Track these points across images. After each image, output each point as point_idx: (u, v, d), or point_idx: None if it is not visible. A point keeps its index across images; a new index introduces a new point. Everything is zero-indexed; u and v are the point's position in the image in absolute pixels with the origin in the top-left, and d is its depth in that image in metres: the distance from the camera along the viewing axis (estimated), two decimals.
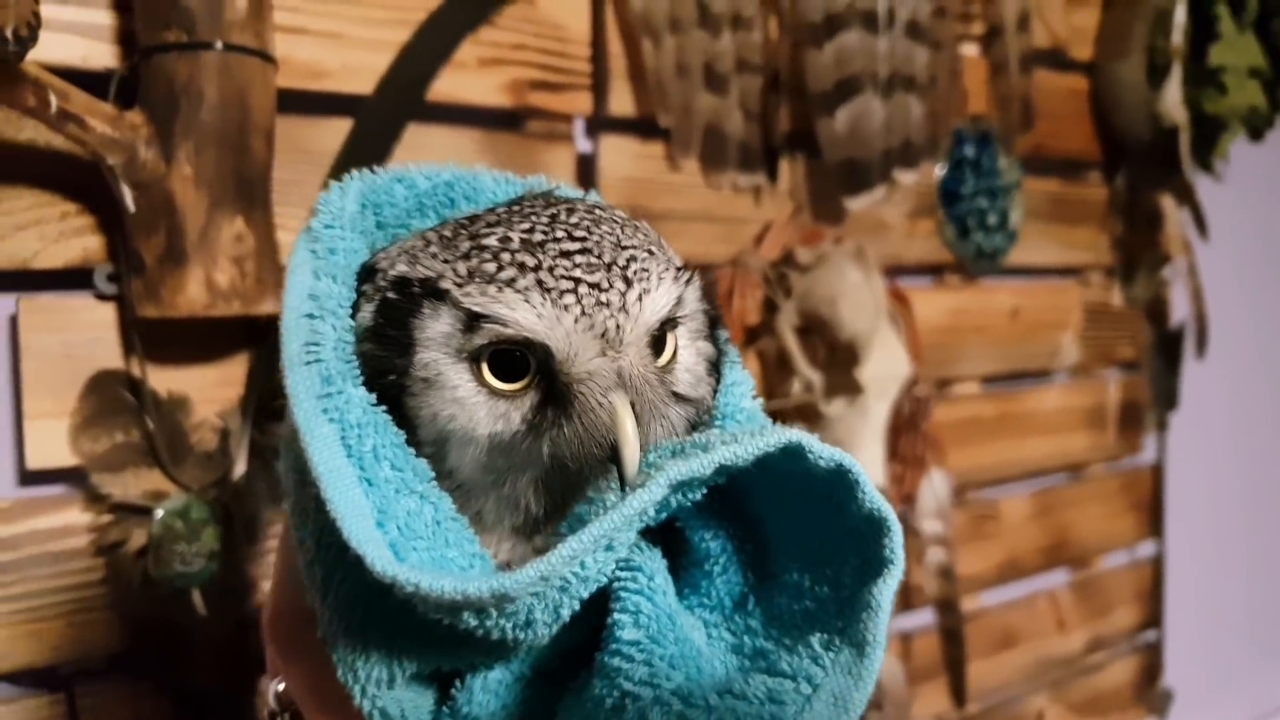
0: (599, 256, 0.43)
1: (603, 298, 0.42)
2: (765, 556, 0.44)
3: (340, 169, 0.96)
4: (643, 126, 1.16)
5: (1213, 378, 1.92)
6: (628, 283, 0.43)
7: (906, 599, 1.43)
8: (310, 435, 0.39)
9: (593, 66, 1.12)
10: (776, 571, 0.43)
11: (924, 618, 1.47)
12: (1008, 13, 1.46)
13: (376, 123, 0.98)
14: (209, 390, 0.91)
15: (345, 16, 0.96)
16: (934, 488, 1.38)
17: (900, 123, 1.30)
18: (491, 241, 0.43)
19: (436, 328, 0.43)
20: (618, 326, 0.42)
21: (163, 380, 0.89)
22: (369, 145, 0.97)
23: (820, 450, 0.40)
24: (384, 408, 0.42)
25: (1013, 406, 1.61)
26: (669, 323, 0.45)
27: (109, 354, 0.87)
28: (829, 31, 1.23)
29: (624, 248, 0.44)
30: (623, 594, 0.41)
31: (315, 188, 0.95)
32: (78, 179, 0.83)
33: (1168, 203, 1.74)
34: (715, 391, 0.48)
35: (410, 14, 1.00)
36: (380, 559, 0.37)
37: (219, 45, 0.81)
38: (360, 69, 0.97)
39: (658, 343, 0.45)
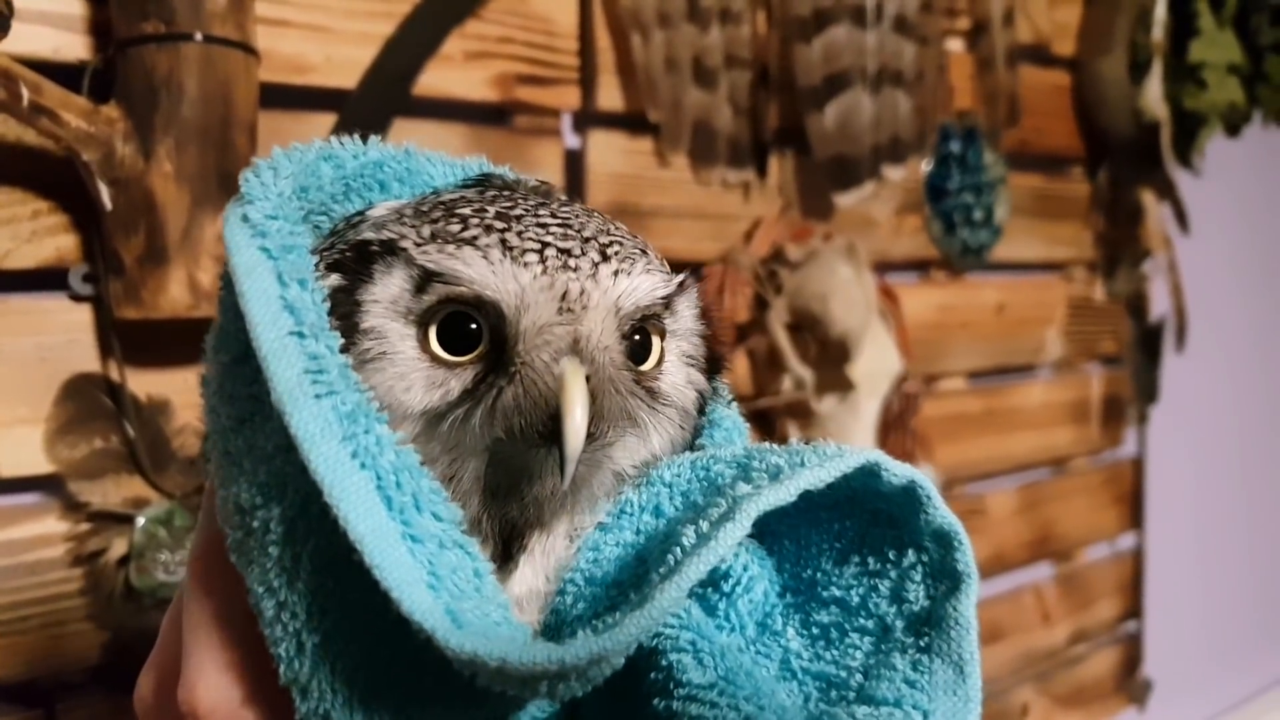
0: (578, 231, 0.39)
1: (570, 262, 0.37)
2: (781, 570, 0.41)
3: None
4: (631, 122, 1.14)
5: (1192, 371, 1.94)
6: (604, 257, 0.38)
7: None
8: (340, 488, 0.33)
9: (580, 61, 1.10)
10: (804, 587, 0.40)
11: None
12: (993, 8, 1.46)
13: (361, 118, 0.95)
14: (191, 394, 0.88)
15: (329, 9, 0.94)
16: None
17: (889, 118, 1.29)
18: (465, 211, 0.39)
19: (387, 289, 0.38)
20: (582, 291, 0.37)
21: (143, 384, 0.86)
22: None
23: (894, 467, 0.38)
24: (413, 447, 0.36)
25: (998, 401, 1.61)
26: (652, 322, 0.41)
27: (85, 357, 0.84)
28: (817, 26, 1.22)
29: (610, 234, 0.40)
30: (668, 630, 0.37)
31: None
32: (51, 176, 0.80)
33: (1148, 198, 1.74)
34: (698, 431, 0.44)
35: (395, 6, 0.97)
36: (452, 634, 0.32)
37: (199, 37, 0.79)
38: (345, 63, 0.95)
39: (638, 347, 0.40)
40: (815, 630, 0.39)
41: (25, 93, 0.73)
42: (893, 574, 0.39)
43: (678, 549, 0.35)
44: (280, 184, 0.41)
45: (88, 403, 0.84)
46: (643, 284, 0.39)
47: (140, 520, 0.84)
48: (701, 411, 0.44)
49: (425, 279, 0.37)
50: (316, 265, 0.39)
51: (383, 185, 0.45)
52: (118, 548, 0.84)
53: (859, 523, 0.40)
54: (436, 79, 1.00)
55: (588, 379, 0.36)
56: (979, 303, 1.56)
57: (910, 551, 0.39)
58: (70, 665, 0.84)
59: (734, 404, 0.46)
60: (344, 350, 0.37)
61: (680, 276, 0.42)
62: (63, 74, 0.79)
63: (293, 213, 0.40)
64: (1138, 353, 1.83)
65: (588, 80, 1.11)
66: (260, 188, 0.40)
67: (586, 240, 0.38)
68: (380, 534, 0.33)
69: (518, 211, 0.39)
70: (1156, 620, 1.96)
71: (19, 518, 0.82)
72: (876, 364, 1.21)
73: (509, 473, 0.38)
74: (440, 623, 0.32)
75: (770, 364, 1.22)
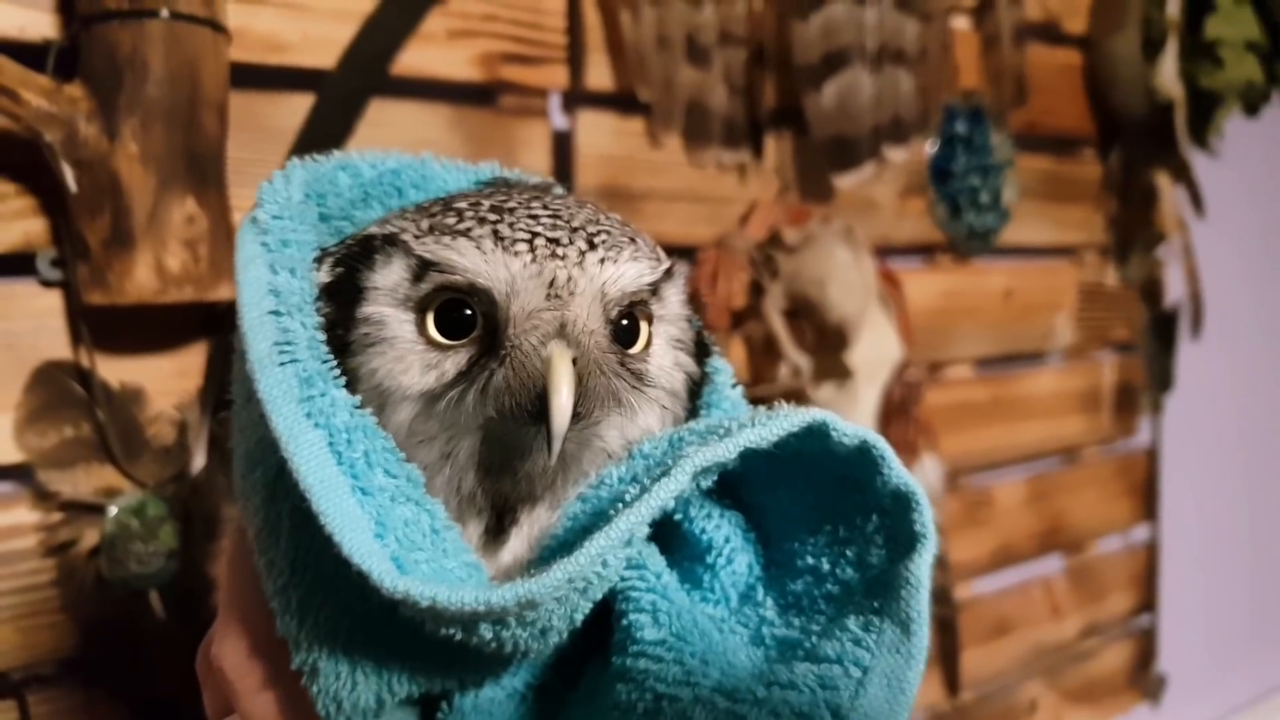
0: (567, 221, 0.41)
1: (559, 251, 0.39)
2: (769, 544, 0.42)
3: (301, 147, 0.91)
4: (622, 101, 1.11)
5: (1208, 359, 1.89)
6: (591, 245, 0.40)
7: None
8: (295, 443, 0.36)
9: (569, 38, 1.07)
10: (784, 558, 0.41)
11: None
12: None
13: (339, 98, 0.93)
14: (165, 381, 0.86)
15: None
16: (926, 474, 1.35)
17: (890, 97, 1.25)
18: (462, 205, 0.42)
19: (387, 278, 0.41)
20: (569, 278, 0.39)
21: (114, 371, 0.84)
22: (331, 122, 0.92)
23: (844, 428, 0.38)
24: (369, 411, 0.39)
25: (1006, 390, 1.58)
26: (639, 307, 0.42)
27: (55, 344, 0.82)
28: (815, 2, 1.18)
29: (599, 224, 0.42)
30: (633, 593, 0.38)
31: (275, 167, 0.88)
32: (15, 158, 0.78)
33: (1163, 180, 1.70)
34: (692, 412, 0.45)
35: None
36: (387, 574, 0.34)
37: (165, 14, 0.76)
38: (322, 41, 0.92)
39: (626, 332, 0.42)
40: (789, 599, 0.40)
41: None
42: (858, 539, 0.40)
43: (620, 504, 0.37)
44: (291, 189, 0.45)
45: (58, 390, 0.82)
46: (629, 271, 0.41)
47: (112, 510, 0.82)
48: (695, 395, 0.45)
49: (423, 268, 0.40)
50: (322, 261, 0.43)
51: (400, 191, 0.49)
52: (89, 538, 0.82)
53: (830, 490, 0.40)
54: (418, 58, 0.97)
55: (574, 361, 0.38)
56: (986, 288, 1.52)
57: (874, 515, 0.39)
58: (43, 657, 0.82)
59: (737, 387, 0.47)
60: (344, 334, 0.40)
61: (666, 263, 0.44)
62: (30, 54, 0.77)
63: (299, 213, 0.44)
64: (1151, 339, 1.78)
65: (576, 59, 1.08)
66: (271, 192, 0.44)
67: (575, 230, 0.40)
68: (328, 484, 0.36)
69: (511, 205, 0.41)
70: (1170, 614, 1.92)
71: None
72: (875, 351, 1.17)
73: (501, 450, 0.40)
74: (378, 565, 0.34)
75: (766, 351, 1.19)
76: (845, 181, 1.23)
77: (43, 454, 0.81)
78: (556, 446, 0.37)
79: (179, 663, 0.86)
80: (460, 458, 0.40)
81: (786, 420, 0.38)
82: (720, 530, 0.41)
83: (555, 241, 0.39)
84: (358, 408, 0.38)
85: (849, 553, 0.40)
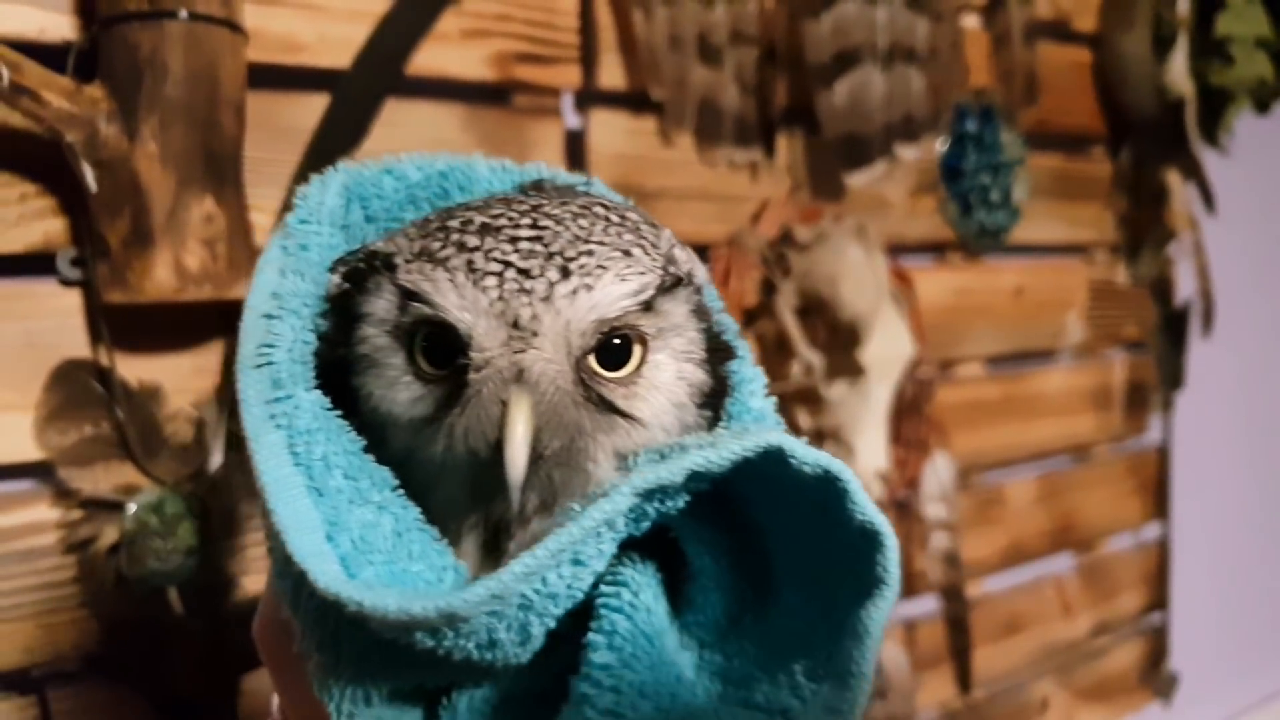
0: (546, 244, 0.39)
1: (526, 284, 0.38)
2: (766, 571, 0.40)
3: (316, 146, 0.92)
4: (634, 100, 1.12)
5: (1219, 357, 1.88)
6: (564, 274, 0.38)
7: (910, 586, 1.40)
8: (257, 442, 0.38)
9: (581, 38, 1.08)
10: (776, 588, 0.39)
11: (928, 604, 1.44)
12: None
13: (354, 98, 0.94)
14: (183, 379, 0.87)
15: None
16: (937, 472, 1.35)
17: (901, 96, 1.25)
18: (454, 224, 0.41)
19: (377, 305, 0.41)
20: (533, 316, 0.38)
21: (133, 369, 0.85)
22: (346, 122, 0.93)
23: (804, 455, 0.36)
24: (339, 411, 0.40)
25: (1017, 388, 1.58)
26: (630, 330, 0.40)
27: (75, 342, 0.83)
28: (826, 1, 1.19)
29: (588, 241, 0.40)
30: (603, 612, 0.37)
31: (290, 166, 0.91)
32: (36, 158, 0.79)
33: (1173, 178, 1.69)
34: (711, 423, 0.44)
35: None
36: (325, 574, 0.35)
37: (184, 14, 0.77)
38: (337, 42, 0.93)
39: (617, 351, 0.40)
40: (768, 633, 0.38)
41: (5, 73, 0.71)
42: (829, 576, 0.38)
43: (556, 527, 0.36)
44: (326, 194, 0.45)
45: (77, 388, 0.83)
46: (606, 296, 0.39)
47: (131, 508, 0.83)
48: (713, 405, 0.43)
49: (406, 298, 0.40)
50: (335, 268, 0.43)
51: (446, 194, 0.48)
52: (109, 535, 0.83)
53: (810, 521, 0.38)
54: (432, 58, 0.98)
55: (537, 403, 0.37)
56: (997, 286, 1.52)
57: (841, 552, 0.37)
58: (63, 654, 0.83)
59: (768, 397, 0.45)
60: (345, 353, 0.41)
61: (660, 276, 0.41)
62: (50, 55, 0.77)
63: (330, 217, 0.45)
64: (1162, 337, 1.78)
65: (589, 58, 1.08)
66: (304, 197, 0.45)
67: (551, 255, 0.39)
68: (281, 484, 0.37)
69: (501, 222, 0.40)
70: (1182, 612, 1.91)
71: (10, 505, 0.81)
72: (888, 348, 1.18)
73: (476, 488, 0.39)
74: (317, 565, 0.35)
75: (779, 349, 1.19)
76: (857, 180, 1.23)
77: (63, 452, 0.82)
78: (516, 496, 0.37)
79: (197, 659, 0.87)
80: (449, 482, 0.40)
81: (740, 443, 0.36)
82: (711, 553, 0.39)
83: (525, 273, 0.38)
84: (328, 409, 0.39)
85: (822, 590, 0.38)
